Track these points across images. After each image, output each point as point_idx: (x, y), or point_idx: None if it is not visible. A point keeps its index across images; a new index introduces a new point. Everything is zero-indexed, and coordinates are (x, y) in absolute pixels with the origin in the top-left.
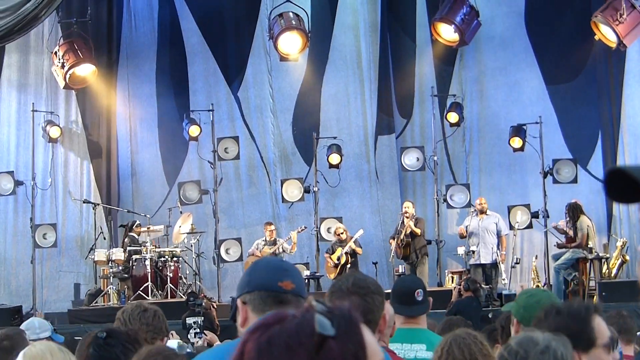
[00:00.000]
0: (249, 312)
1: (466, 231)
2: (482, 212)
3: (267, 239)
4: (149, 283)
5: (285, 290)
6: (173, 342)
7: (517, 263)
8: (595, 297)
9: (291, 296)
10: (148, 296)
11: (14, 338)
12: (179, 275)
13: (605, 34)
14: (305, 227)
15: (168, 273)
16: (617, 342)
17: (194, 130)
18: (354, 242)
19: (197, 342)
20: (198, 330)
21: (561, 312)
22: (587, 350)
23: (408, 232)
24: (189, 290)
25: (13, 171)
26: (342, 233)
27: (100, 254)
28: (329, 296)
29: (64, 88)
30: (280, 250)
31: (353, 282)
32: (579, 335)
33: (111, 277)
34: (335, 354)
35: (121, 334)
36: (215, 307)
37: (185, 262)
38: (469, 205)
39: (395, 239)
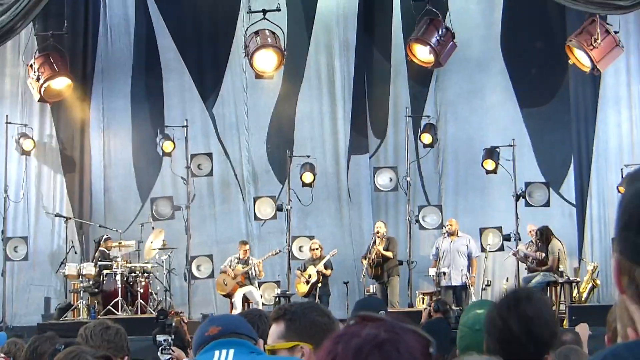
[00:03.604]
0: None
1: (438, 256)
2: (452, 233)
3: (241, 257)
4: (119, 298)
5: (211, 335)
6: None
7: (487, 285)
8: (565, 321)
9: (219, 337)
10: (118, 311)
11: None
12: (150, 291)
13: (580, 58)
14: (280, 251)
15: (138, 289)
16: None
17: (167, 146)
18: (324, 263)
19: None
20: (167, 347)
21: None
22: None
23: (379, 254)
24: (159, 307)
25: None
26: (317, 249)
27: (71, 268)
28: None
29: (38, 101)
30: (252, 271)
31: None
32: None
33: (81, 292)
34: None
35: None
36: (186, 321)
37: (156, 278)
38: (441, 226)
39: (367, 259)
